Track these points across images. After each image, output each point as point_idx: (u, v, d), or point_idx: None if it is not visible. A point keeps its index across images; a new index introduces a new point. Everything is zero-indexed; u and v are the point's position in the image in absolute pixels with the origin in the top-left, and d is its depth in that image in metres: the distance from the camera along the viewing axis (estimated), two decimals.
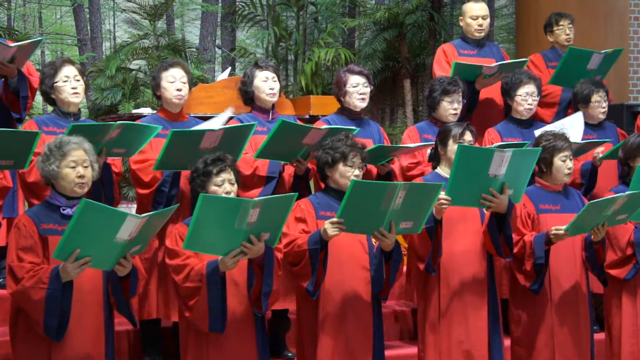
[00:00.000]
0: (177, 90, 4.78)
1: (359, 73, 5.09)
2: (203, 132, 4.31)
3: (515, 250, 4.49)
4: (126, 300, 3.78)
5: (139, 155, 4.63)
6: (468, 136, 4.52)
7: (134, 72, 7.90)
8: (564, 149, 4.58)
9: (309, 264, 4.04)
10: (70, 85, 4.60)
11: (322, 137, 4.47)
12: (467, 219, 4.49)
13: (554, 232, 4.40)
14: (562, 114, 5.90)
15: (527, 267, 4.48)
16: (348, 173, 4.20)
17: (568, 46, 6.15)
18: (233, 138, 4.45)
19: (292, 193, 3.89)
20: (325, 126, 4.61)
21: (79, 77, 4.64)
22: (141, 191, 4.66)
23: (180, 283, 3.88)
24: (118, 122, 4.30)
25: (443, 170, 4.55)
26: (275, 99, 5.04)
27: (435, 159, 4.62)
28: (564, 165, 4.59)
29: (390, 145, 4.89)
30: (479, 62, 5.78)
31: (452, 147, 4.47)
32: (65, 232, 3.44)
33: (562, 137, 4.65)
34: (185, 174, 4.48)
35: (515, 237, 4.52)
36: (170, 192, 4.56)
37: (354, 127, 4.74)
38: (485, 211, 4.41)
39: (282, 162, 4.76)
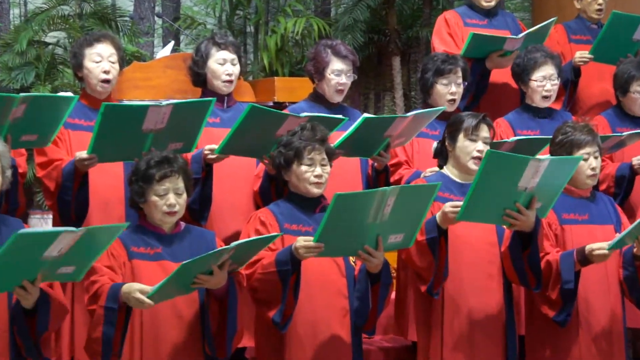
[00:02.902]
0: (104, 72, 4.75)
1: (345, 58, 5.06)
2: (145, 107, 4.28)
3: None
4: (34, 341, 3.74)
5: (40, 156, 4.60)
6: (484, 132, 4.51)
7: (50, 46, 7.83)
8: (585, 144, 4.59)
9: (276, 289, 4.04)
10: None
11: None
12: (476, 229, 4.48)
13: (596, 252, 4.36)
14: (566, 102, 5.92)
15: (552, 295, 4.47)
16: (306, 174, 4.20)
17: (598, 19, 6.19)
18: (185, 117, 4.42)
19: (275, 233, 3.98)
20: (305, 113, 4.60)
21: None
22: (49, 203, 4.62)
23: (86, 306, 3.90)
24: (22, 94, 4.22)
25: (451, 172, 4.55)
26: (232, 87, 5.05)
27: (441, 156, 4.62)
28: (586, 165, 4.59)
29: (380, 116, 4.81)
30: None
31: (463, 143, 4.49)
32: None
33: (585, 128, 4.64)
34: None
35: None
36: (77, 199, 4.50)
37: (342, 117, 4.73)
38: (505, 228, 4.40)
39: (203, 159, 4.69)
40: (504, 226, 4.37)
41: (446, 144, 4.56)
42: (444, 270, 4.34)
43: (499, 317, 4.49)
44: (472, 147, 4.46)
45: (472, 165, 4.45)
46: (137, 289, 3.73)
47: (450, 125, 4.58)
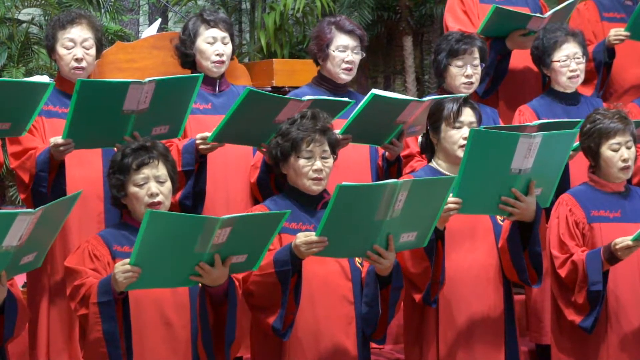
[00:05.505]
0: (76, 60, 4.76)
1: (350, 33, 5.09)
2: (126, 84, 4.29)
3: (563, 274, 4.51)
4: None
5: (14, 146, 4.61)
6: (468, 115, 4.49)
7: (24, 25, 7.84)
8: (615, 132, 4.59)
9: (276, 293, 4.03)
10: None
11: None
12: (476, 231, 4.51)
13: (619, 245, 4.39)
14: (599, 87, 5.91)
15: (578, 300, 4.48)
16: (304, 169, 4.20)
17: None
18: (170, 96, 4.43)
19: (284, 211, 3.91)
20: (308, 97, 4.60)
21: None
22: (23, 196, 4.64)
23: (75, 312, 3.90)
24: None
25: (439, 165, 4.54)
26: (223, 68, 5.07)
27: (428, 150, 4.61)
28: (617, 155, 4.60)
29: (391, 97, 4.81)
30: None
31: (447, 133, 4.47)
32: None
33: (615, 115, 4.64)
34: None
35: (560, 255, 4.53)
36: (54, 191, 4.50)
37: (347, 99, 4.73)
38: (500, 220, 4.42)
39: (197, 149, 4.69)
40: (503, 217, 4.37)
41: (430, 136, 4.54)
42: (440, 276, 4.33)
43: (498, 323, 4.50)
44: (458, 135, 4.41)
45: (462, 154, 4.35)
46: (117, 264, 3.72)
47: (431, 114, 4.55)
